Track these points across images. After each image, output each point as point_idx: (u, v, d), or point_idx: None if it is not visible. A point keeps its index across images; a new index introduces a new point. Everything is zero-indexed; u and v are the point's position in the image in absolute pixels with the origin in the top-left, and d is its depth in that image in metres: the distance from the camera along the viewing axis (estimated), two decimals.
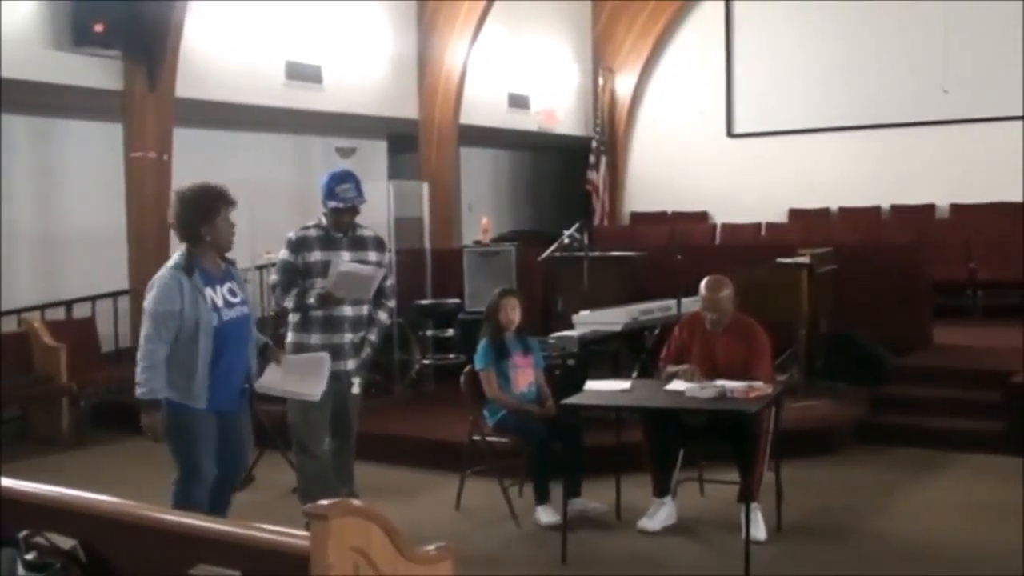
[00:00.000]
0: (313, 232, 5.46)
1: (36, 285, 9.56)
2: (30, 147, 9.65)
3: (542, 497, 5.87)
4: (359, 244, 5.53)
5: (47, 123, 9.72)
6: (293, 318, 5.51)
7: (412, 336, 9.22)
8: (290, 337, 5.49)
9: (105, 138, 9.56)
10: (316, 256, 5.38)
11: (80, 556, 2.84)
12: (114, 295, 9.79)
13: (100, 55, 8.91)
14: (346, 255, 5.41)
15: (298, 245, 5.45)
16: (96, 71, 8.99)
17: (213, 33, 9.95)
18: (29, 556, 2.61)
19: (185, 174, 9.47)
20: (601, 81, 15.59)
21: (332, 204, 5.43)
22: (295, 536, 2.60)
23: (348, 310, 5.41)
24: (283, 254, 5.49)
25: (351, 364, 5.48)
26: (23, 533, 2.74)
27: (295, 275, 5.42)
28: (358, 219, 5.61)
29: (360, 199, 5.50)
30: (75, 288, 9.64)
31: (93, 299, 9.65)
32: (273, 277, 5.59)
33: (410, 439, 7.67)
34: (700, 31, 15.44)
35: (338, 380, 5.37)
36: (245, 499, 6.10)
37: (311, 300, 5.32)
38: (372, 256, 5.52)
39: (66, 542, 2.87)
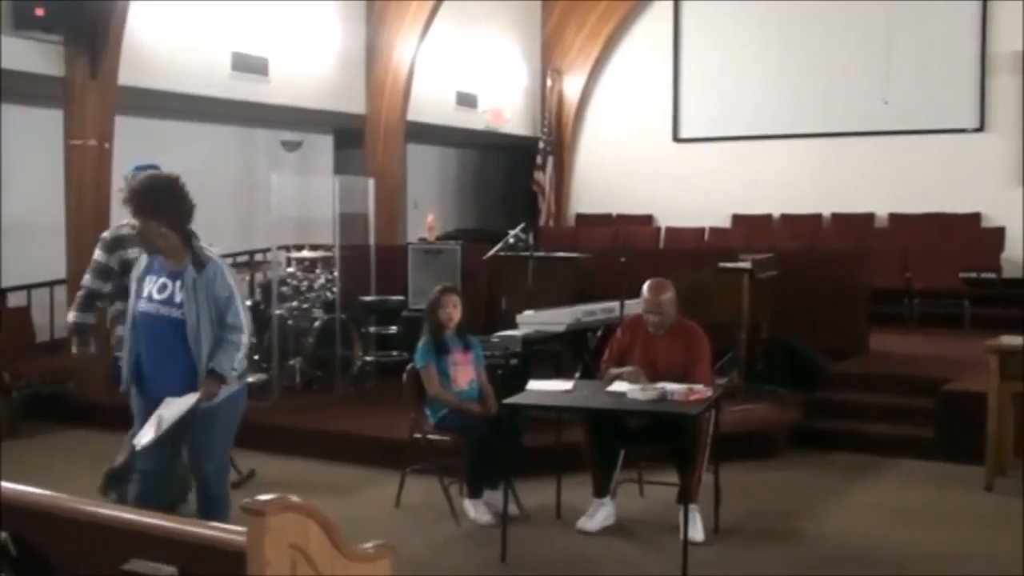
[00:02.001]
0: (128, 229, 5.33)
1: None
2: None
3: (474, 492, 5.89)
4: None
5: None
6: (118, 312, 5.44)
7: (355, 332, 9.17)
8: (119, 331, 5.42)
9: (45, 124, 9.37)
10: (135, 253, 5.22)
11: (11, 549, 2.78)
12: (50, 284, 9.61)
13: (41, 40, 8.73)
14: None
15: (113, 244, 5.44)
16: (37, 56, 8.80)
17: (158, 21, 9.80)
18: None
19: (126, 163, 9.37)
20: (549, 82, 15.63)
21: None
22: (232, 532, 2.57)
23: None
24: (97, 255, 5.44)
25: None
26: None
27: (109, 276, 5.41)
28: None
29: None
30: (10, 277, 9.45)
31: (29, 288, 9.47)
32: (86, 278, 5.49)
33: (351, 436, 7.63)
34: (649, 35, 15.53)
35: None
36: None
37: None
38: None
39: None
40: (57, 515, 2.94)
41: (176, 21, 10.02)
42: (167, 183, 4.63)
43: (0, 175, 9.75)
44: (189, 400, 4.53)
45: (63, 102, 9.01)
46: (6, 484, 3.14)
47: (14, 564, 2.71)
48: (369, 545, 2.68)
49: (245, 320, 4.67)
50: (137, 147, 9.86)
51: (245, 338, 4.63)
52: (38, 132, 9.59)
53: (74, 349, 5.63)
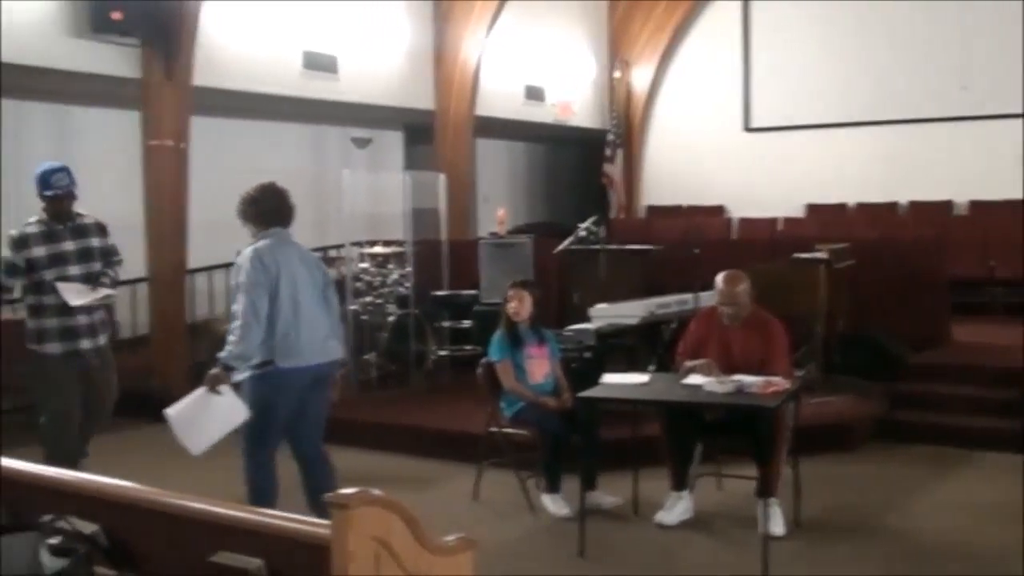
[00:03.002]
0: (35, 228, 5.75)
1: None
2: (48, 135, 9.66)
3: (552, 486, 5.87)
4: (81, 232, 5.89)
5: (65, 110, 9.74)
6: (28, 306, 5.82)
7: (428, 327, 9.22)
8: (30, 324, 5.81)
9: (123, 126, 9.57)
10: (40, 252, 5.72)
11: (102, 541, 2.83)
12: (132, 282, 9.80)
13: (118, 43, 8.92)
14: (70, 245, 5.80)
15: (20, 243, 5.73)
16: (114, 59, 8.99)
17: (231, 22, 9.95)
18: (53, 541, 2.61)
19: (202, 162, 9.56)
20: (617, 74, 15.55)
21: (48, 193, 5.74)
22: (316, 525, 2.59)
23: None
24: (5, 254, 5.77)
25: (87, 344, 5.87)
26: (46, 518, 2.74)
27: (19, 272, 5.74)
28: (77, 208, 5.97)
29: (73, 186, 5.83)
30: None
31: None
32: None
33: (426, 430, 7.67)
34: (717, 24, 15.36)
35: (79, 357, 5.83)
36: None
37: (46, 295, 5.71)
38: (95, 242, 5.94)
39: (88, 527, 2.87)
40: (145, 508, 2.99)
41: (248, 21, 10.16)
42: (244, 195, 5.25)
43: (82, 176, 9.96)
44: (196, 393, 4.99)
45: (140, 104, 9.18)
46: (96, 477, 3.21)
47: (106, 556, 2.76)
48: (451, 538, 2.68)
49: (241, 309, 4.94)
50: (212, 147, 10.06)
51: (235, 325, 4.93)
52: (117, 134, 9.79)
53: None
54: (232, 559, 2.69)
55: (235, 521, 2.76)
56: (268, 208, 5.20)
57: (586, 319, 7.67)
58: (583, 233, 8.86)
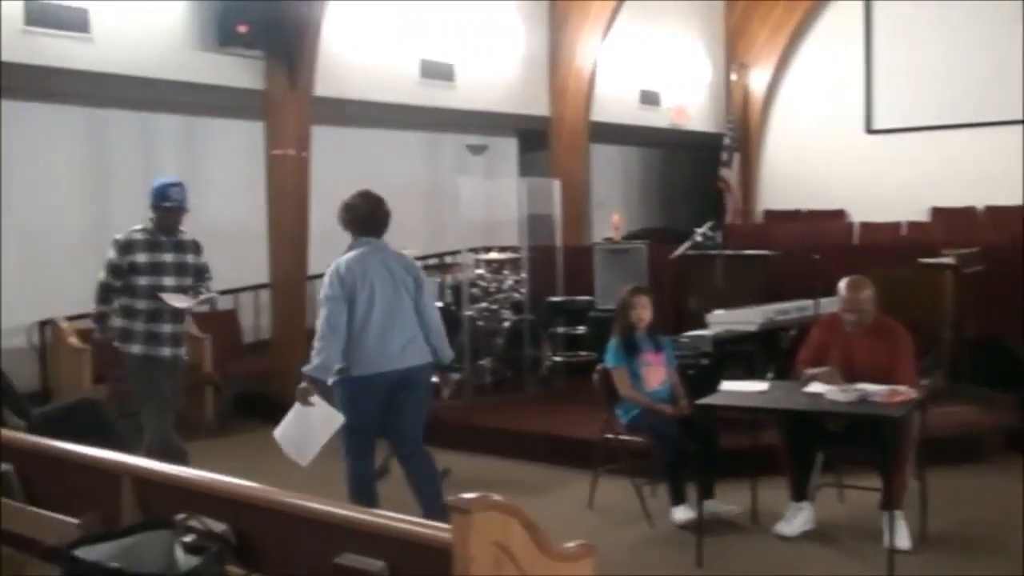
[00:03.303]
0: (140, 235, 6.05)
1: None
2: (177, 145, 10.00)
3: (678, 498, 5.79)
4: (180, 247, 6.17)
5: (193, 122, 10.06)
6: (120, 307, 6.07)
7: (543, 333, 9.24)
8: (118, 323, 6.06)
9: (247, 136, 9.85)
10: (143, 258, 6.01)
11: (231, 540, 2.92)
12: (255, 288, 10.09)
13: (243, 55, 9.20)
14: (169, 256, 6.09)
15: (126, 247, 6.01)
16: (239, 71, 9.28)
17: (350, 32, 10.16)
18: (186, 539, 2.70)
19: (322, 171, 9.77)
20: (734, 77, 15.36)
21: (166, 204, 6.04)
22: (438, 529, 2.63)
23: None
24: (111, 254, 6.03)
25: (167, 351, 6.09)
26: (179, 516, 2.83)
27: (121, 274, 6.01)
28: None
29: (186, 201, 6.15)
30: (218, 281, 9.91)
31: (235, 292, 9.95)
32: (100, 275, 6.08)
33: (541, 435, 7.67)
34: (838, 24, 15.06)
35: (157, 362, 6.03)
36: (381, 491, 6.21)
37: (139, 299, 5.99)
38: (190, 258, 6.22)
39: (218, 526, 2.96)
40: (272, 509, 3.07)
41: (367, 32, 10.36)
42: (343, 202, 5.49)
43: (208, 185, 10.28)
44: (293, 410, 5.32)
45: (263, 114, 9.44)
46: (224, 478, 3.31)
47: (236, 554, 2.84)
48: (571, 544, 2.68)
49: (319, 323, 5.27)
50: (332, 155, 10.27)
51: (316, 339, 5.24)
52: (241, 144, 10.07)
53: (95, 335, 6.31)
54: (356, 561, 2.75)
55: (358, 524, 2.81)
56: (361, 215, 5.42)
57: (702, 325, 7.58)
58: (699, 238, 8.77)
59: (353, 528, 2.81)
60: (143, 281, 6.01)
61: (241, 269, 9.88)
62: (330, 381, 5.31)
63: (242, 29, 8.83)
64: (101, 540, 2.67)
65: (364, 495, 5.38)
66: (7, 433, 4.41)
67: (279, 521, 3.03)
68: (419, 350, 5.43)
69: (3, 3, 7.90)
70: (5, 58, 7.92)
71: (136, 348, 6.02)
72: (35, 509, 3.99)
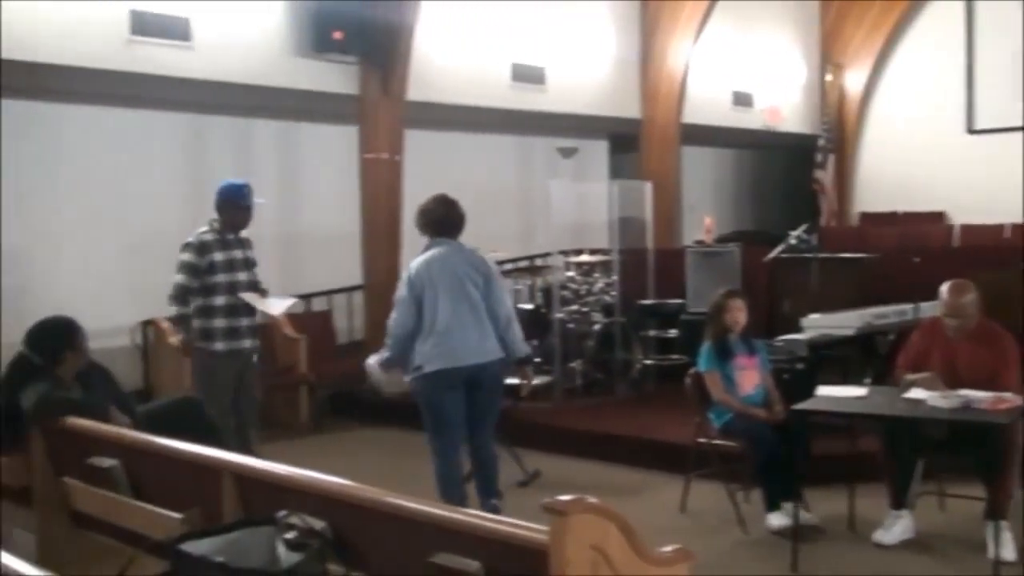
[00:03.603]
0: (210, 236, 6.30)
1: (278, 279, 10.05)
2: (274, 150, 10.20)
3: (773, 504, 5.70)
4: (244, 243, 6.46)
5: (288, 127, 10.25)
6: (197, 307, 6.27)
7: (634, 336, 9.19)
8: (197, 323, 6.27)
9: (341, 140, 10.00)
10: (219, 256, 6.26)
11: (329, 537, 2.96)
12: (349, 290, 10.23)
13: (338, 61, 9.36)
14: (239, 253, 6.36)
15: (202, 248, 6.27)
16: (334, 76, 9.44)
17: (443, 37, 10.25)
18: (288, 536, 2.75)
19: (415, 175, 9.87)
20: (829, 77, 15.10)
21: (244, 204, 6.35)
22: (534, 530, 2.63)
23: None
24: (188, 257, 6.25)
25: (247, 343, 6.38)
26: (280, 513, 2.89)
27: (199, 274, 6.24)
28: None
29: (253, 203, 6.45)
30: (313, 283, 10.12)
31: (330, 293, 10.11)
32: (179, 277, 6.26)
33: (632, 439, 7.63)
34: (937, 24, 14.71)
35: (240, 355, 6.31)
36: (470, 492, 6.25)
37: (218, 296, 6.23)
38: (251, 253, 6.51)
39: (316, 523, 3.01)
40: (369, 507, 3.11)
41: (459, 37, 10.45)
42: (421, 207, 5.78)
43: (304, 189, 10.48)
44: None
45: (358, 118, 9.58)
46: (323, 476, 3.37)
47: (335, 552, 2.88)
48: (668, 549, 2.67)
49: (390, 322, 5.69)
50: (424, 159, 10.37)
51: (386, 338, 5.73)
52: (335, 148, 10.23)
53: (178, 336, 6.57)
54: (451, 560, 2.77)
55: (455, 523, 2.83)
56: (436, 218, 5.68)
57: (796, 329, 7.46)
58: (794, 241, 8.63)
59: (449, 528, 2.83)
60: (221, 279, 6.24)
61: (335, 271, 10.04)
62: (407, 379, 5.66)
63: (337, 35, 8.99)
64: (205, 535, 2.74)
65: (452, 495, 5.52)
66: (114, 430, 4.55)
67: (376, 520, 3.07)
68: (490, 346, 5.60)
69: (109, 13, 8.17)
70: (109, 66, 8.19)
71: (219, 345, 6.24)
72: (140, 504, 4.12)
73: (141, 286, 8.74)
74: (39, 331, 5.00)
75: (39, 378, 4.80)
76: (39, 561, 3.99)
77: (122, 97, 8.69)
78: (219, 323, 6.24)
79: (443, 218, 5.69)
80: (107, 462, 4.26)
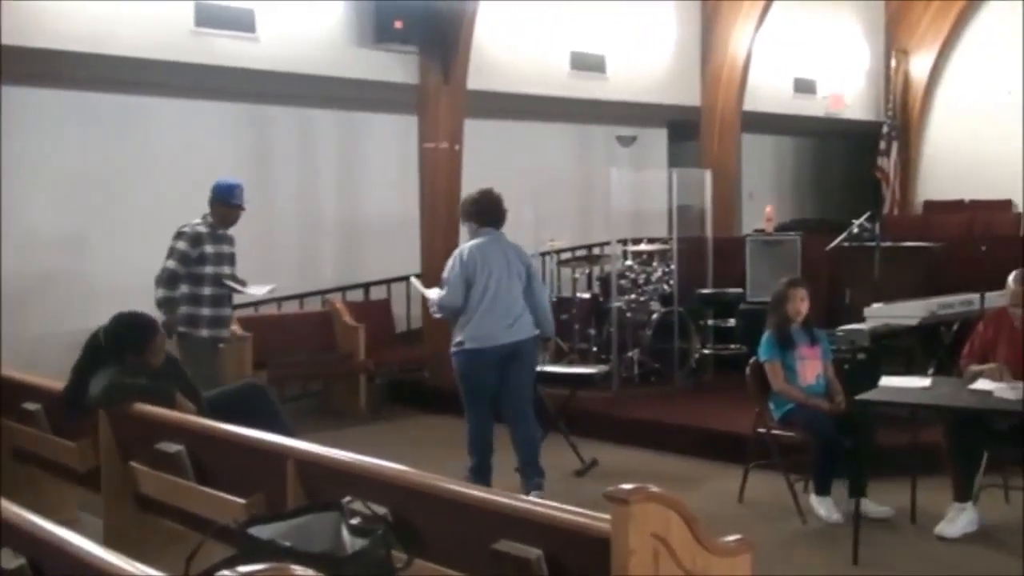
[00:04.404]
0: (204, 228, 6.65)
1: (338, 268, 10.19)
2: (333, 139, 10.28)
3: (821, 489, 5.68)
4: (231, 240, 6.81)
5: (349, 116, 10.32)
6: (186, 295, 6.57)
7: (692, 325, 9.14)
8: (184, 310, 6.57)
9: (401, 130, 10.05)
10: (210, 249, 6.60)
11: (391, 522, 3.00)
12: (407, 278, 10.27)
13: (398, 51, 9.42)
14: (227, 248, 6.72)
15: (196, 239, 6.60)
16: (394, 66, 9.50)
17: (502, 26, 10.25)
18: (353, 521, 2.79)
19: (473, 164, 9.90)
20: (894, 63, 14.85)
21: (235, 202, 6.72)
22: (596, 519, 2.64)
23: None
24: (182, 245, 6.57)
25: (227, 333, 6.85)
26: (345, 499, 2.93)
27: (188, 263, 6.55)
28: None
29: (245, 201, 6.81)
30: (372, 271, 10.20)
31: (388, 282, 10.18)
32: (169, 262, 6.58)
33: (690, 428, 7.61)
34: (1007, 7, 14.35)
35: (221, 343, 6.72)
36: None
37: (205, 287, 6.56)
38: (234, 248, 6.82)
39: (379, 509, 3.04)
40: (431, 494, 3.14)
41: (518, 25, 10.44)
42: (467, 197, 6.32)
43: (363, 178, 10.56)
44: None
45: (417, 108, 9.62)
46: (385, 463, 3.41)
47: (398, 537, 2.91)
48: (731, 539, 2.66)
49: (439, 295, 6.19)
50: (484, 148, 10.38)
51: (434, 306, 6.27)
52: (395, 137, 10.29)
53: (162, 319, 6.57)
54: (513, 548, 2.79)
55: (516, 511, 2.86)
56: (484, 209, 6.19)
57: (857, 319, 7.37)
58: (856, 230, 8.52)
59: (510, 515, 2.85)
60: (209, 270, 6.59)
61: (394, 259, 10.09)
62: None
63: (398, 25, 9.05)
64: (271, 520, 2.78)
65: (475, 447, 6.11)
66: (179, 416, 4.64)
67: (437, 506, 3.10)
68: (526, 326, 6.13)
69: (175, 5, 8.30)
70: (175, 58, 8.32)
71: (204, 332, 6.55)
72: (205, 488, 4.20)
73: None
74: (119, 325, 5.10)
75: (108, 364, 4.90)
76: (105, 544, 4.08)
77: (187, 88, 8.83)
78: (205, 311, 6.57)
79: (491, 210, 6.20)
80: (173, 447, 4.34)
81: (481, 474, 6.08)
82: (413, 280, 7.18)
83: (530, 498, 2.92)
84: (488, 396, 6.11)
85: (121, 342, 5.00)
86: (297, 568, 2.03)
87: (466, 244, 6.21)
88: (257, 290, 6.99)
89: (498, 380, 6.07)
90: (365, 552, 2.62)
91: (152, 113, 8.82)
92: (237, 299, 8.88)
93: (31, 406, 5.33)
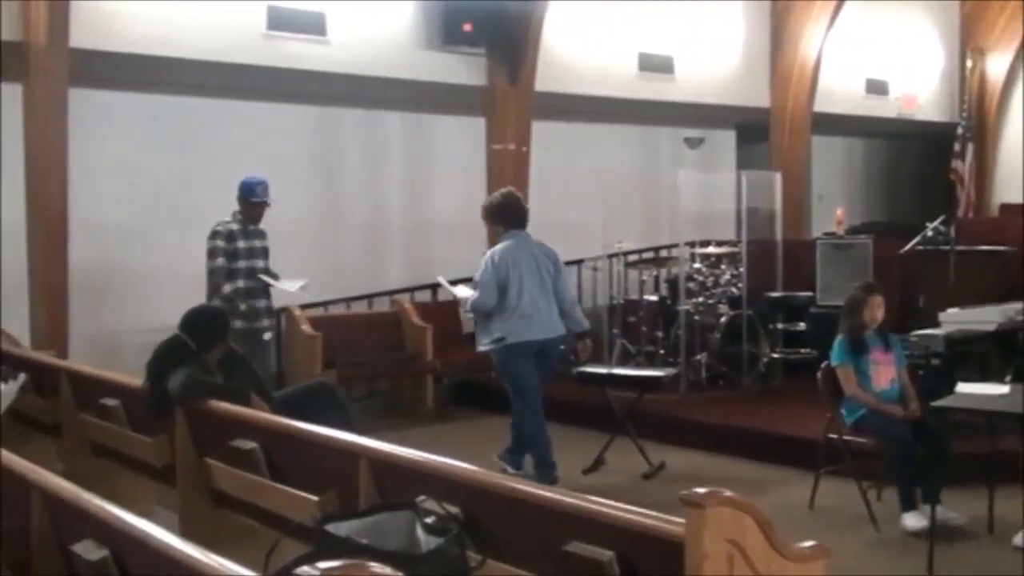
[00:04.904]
0: (236, 225, 7.01)
1: (406, 269, 10.25)
2: (403, 141, 10.35)
3: (908, 503, 5.54)
4: (263, 234, 7.15)
5: (417, 118, 10.38)
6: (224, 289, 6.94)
7: (761, 328, 9.05)
8: (218, 302, 6.82)
9: (468, 131, 10.09)
10: (242, 244, 6.97)
11: (462, 520, 3.01)
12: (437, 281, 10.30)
13: (467, 53, 9.46)
14: (258, 242, 7.07)
15: (230, 236, 6.97)
16: (463, 68, 9.55)
17: (570, 28, 10.25)
18: (428, 520, 2.81)
19: (540, 165, 9.92)
20: (969, 62, 14.55)
21: (255, 200, 7.02)
22: (669, 522, 2.63)
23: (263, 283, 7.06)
24: (220, 243, 6.94)
25: (265, 322, 7.09)
26: (420, 498, 2.95)
27: (229, 257, 6.91)
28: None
29: (269, 197, 7.12)
30: (440, 272, 10.22)
31: (456, 283, 10.20)
32: (218, 260, 6.93)
33: (758, 433, 7.53)
34: None
35: (257, 334, 6.92)
36: (596, 483, 6.29)
37: (239, 280, 6.92)
38: (267, 242, 7.18)
39: (451, 509, 3.06)
40: (503, 494, 3.15)
41: (586, 27, 10.43)
42: (492, 201, 6.68)
43: (431, 180, 10.62)
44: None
45: (485, 110, 9.66)
46: (457, 463, 3.43)
47: (470, 535, 2.92)
48: (806, 544, 2.63)
49: (472, 297, 6.50)
50: (551, 150, 10.40)
51: (468, 306, 6.61)
52: (462, 139, 10.33)
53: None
54: (584, 549, 2.79)
55: (588, 513, 2.85)
56: (512, 211, 6.52)
57: (932, 324, 7.25)
58: (930, 233, 8.39)
59: (582, 517, 2.85)
60: (242, 264, 6.94)
61: (462, 260, 10.11)
62: (482, 348, 6.55)
63: (466, 28, 9.10)
64: (347, 518, 2.81)
65: (535, 441, 6.45)
66: (254, 413, 4.71)
67: (510, 507, 3.11)
68: (557, 323, 6.51)
69: (248, 8, 8.43)
70: (247, 61, 8.44)
71: (238, 323, 6.67)
72: (278, 485, 4.25)
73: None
74: (196, 317, 5.24)
75: (185, 362, 4.99)
76: (181, 538, 4.15)
77: (257, 90, 8.96)
78: (241, 305, 6.88)
79: (515, 211, 6.55)
80: (247, 444, 4.41)
81: (547, 469, 6.28)
82: (441, 280, 7.39)
83: (602, 500, 2.91)
84: (536, 387, 6.46)
85: (198, 332, 5.11)
86: (374, 565, 2.05)
87: (496, 247, 6.51)
88: (289, 285, 7.19)
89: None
90: (440, 551, 2.64)
91: (222, 115, 8.95)
92: (305, 299, 9.13)
93: (110, 402, 5.45)
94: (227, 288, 6.88)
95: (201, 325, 5.18)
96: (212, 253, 6.94)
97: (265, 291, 7.07)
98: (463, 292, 6.83)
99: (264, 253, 7.11)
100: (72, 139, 7.49)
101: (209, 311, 5.37)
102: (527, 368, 6.43)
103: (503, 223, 6.53)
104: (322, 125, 9.71)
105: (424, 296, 10.00)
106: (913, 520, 5.49)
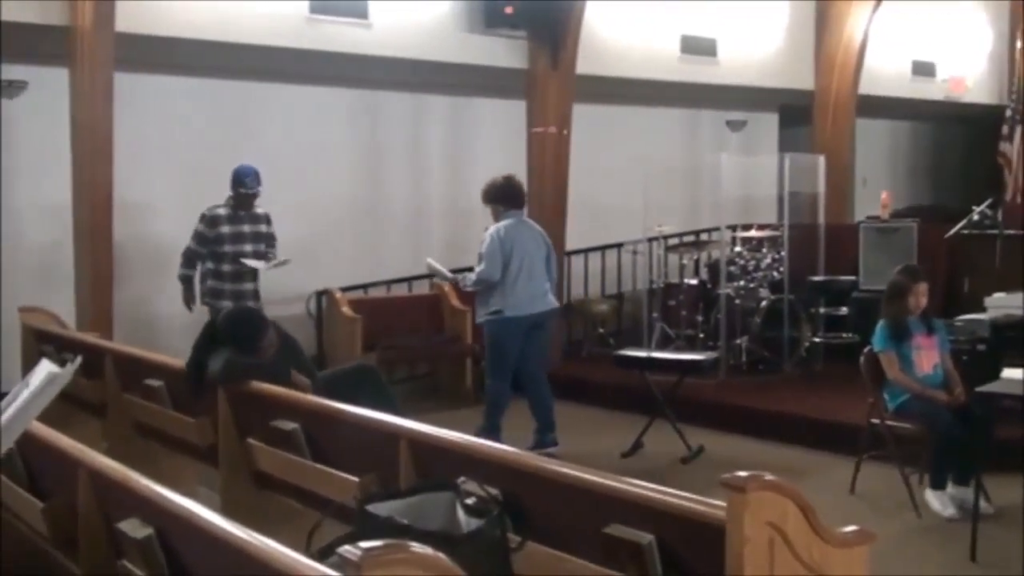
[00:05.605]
0: (223, 211, 7.36)
1: (446, 251, 10.24)
2: (443, 124, 10.36)
3: (937, 483, 5.53)
4: (255, 219, 7.46)
5: (459, 101, 10.39)
6: (209, 270, 7.38)
7: (802, 313, 8.98)
8: (209, 283, 7.38)
9: (510, 114, 10.06)
10: (226, 229, 7.31)
11: (501, 502, 3.02)
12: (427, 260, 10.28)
13: (508, 36, 9.44)
14: (246, 228, 7.37)
15: (213, 221, 7.32)
16: (504, 51, 9.52)
17: (612, 10, 10.19)
18: (468, 501, 2.83)
19: (582, 148, 9.88)
20: (1020, 44, 14.27)
21: (242, 190, 7.31)
22: (710, 506, 2.62)
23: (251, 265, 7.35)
24: (199, 227, 7.34)
25: (252, 305, 7.16)
26: (460, 479, 2.97)
27: (206, 243, 7.32)
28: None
29: (259, 187, 7.38)
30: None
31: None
32: (190, 243, 7.40)
33: (799, 417, 7.49)
34: None
35: None
36: (634, 466, 6.28)
37: (224, 264, 7.30)
38: (263, 228, 7.50)
39: (491, 491, 3.07)
40: (543, 476, 3.16)
41: (628, 9, 10.36)
42: (493, 183, 7.03)
43: (471, 163, 10.62)
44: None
45: (526, 93, 9.63)
46: (497, 445, 3.44)
47: (510, 517, 2.94)
48: (848, 529, 2.62)
49: (478, 269, 6.91)
50: (592, 133, 10.36)
51: (472, 277, 7.03)
52: (503, 122, 10.31)
53: (183, 296, 7.50)
54: (625, 532, 2.79)
55: (628, 495, 2.85)
56: (510, 194, 6.95)
57: (977, 309, 7.16)
58: (976, 217, 8.27)
59: (623, 499, 2.85)
60: (228, 249, 7.28)
61: None
62: (480, 320, 7.02)
63: (508, 11, 9.08)
64: (388, 498, 2.83)
65: (497, 407, 6.92)
66: (295, 394, 4.75)
67: (549, 489, 3.12)
68: (550, 299, 7.04)
69: None
70: (290, 44, 8.48)
71: (226, 303, 7.07)
72: (319, 466, 4.29)
73: (316, 256, 9.05)
74: (230, 322, 5.25)
75: (226, 345, 5.03)
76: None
77: (300, 74, 9.00)
78: (227, 286, 7.28)
79: (515, 194, 6.99)
80: (289, 425, 4.44)
81: (494, 433, 6.59)
82: (429, 260, 7.62)
83: (643, 483, 2.91)
84: (513, 361, 6.90)
85: (234, 339, 5.08)
86: (415, 545, 2.07)
87: (499, 224, 6.89)
88: (262, 265, 7.40)
89: (522, 347, 6.86)
90: (481, 532, 2.65)
91: (265, 99, 9.01)
92: (347, 282, 9.18)
93: (153, 382, 5.51)
94: (181, 271, 7.42)
95: (235, 335, 5.10)
96: (192, 236, 7.38)
97: (253, 275, 7.38)
98: (256, 265, 7.24)
99: (255, 238, 7.40)
100: (117, 123, 7.55)
101: (242, 314, 5.44)
102: (513, 347, 6.86)
103: (504, 203, 6.94)
104: (363, 108, 9.75)
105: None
106: (937, 501, 5.48)
